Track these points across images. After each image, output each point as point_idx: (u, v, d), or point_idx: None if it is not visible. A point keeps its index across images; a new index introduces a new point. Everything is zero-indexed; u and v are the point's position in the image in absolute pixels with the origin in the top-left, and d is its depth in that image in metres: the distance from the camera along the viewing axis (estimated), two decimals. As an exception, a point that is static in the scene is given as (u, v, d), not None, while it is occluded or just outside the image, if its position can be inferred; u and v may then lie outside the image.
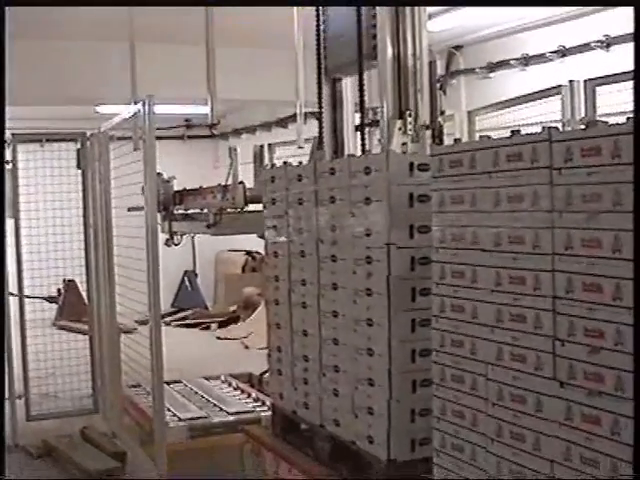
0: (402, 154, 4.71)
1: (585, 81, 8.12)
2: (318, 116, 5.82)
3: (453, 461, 3.87)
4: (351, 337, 4.63)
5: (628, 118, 2.90)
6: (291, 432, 5.52)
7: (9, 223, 8.21)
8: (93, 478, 7.35)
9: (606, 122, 3.13)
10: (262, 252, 6.23)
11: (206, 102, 8.12)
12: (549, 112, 8.51)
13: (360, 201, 4.47)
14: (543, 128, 3.29)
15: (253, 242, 9.51)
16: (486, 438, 3.64)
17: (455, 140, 4.14)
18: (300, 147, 8.63)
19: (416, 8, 5.01)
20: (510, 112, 9.33)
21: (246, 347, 13.84)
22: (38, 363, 8.96)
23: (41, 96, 11.90)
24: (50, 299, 11.49)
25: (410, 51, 4.99)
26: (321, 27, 5.71)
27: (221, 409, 7.78)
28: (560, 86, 8.39)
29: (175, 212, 8.23)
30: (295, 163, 5.41)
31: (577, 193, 3.10)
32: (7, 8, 4.87)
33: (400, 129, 4.86)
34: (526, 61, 10.23)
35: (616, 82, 7.57)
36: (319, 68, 5.71)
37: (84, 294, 9.62)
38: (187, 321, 16.46)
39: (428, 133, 4.95)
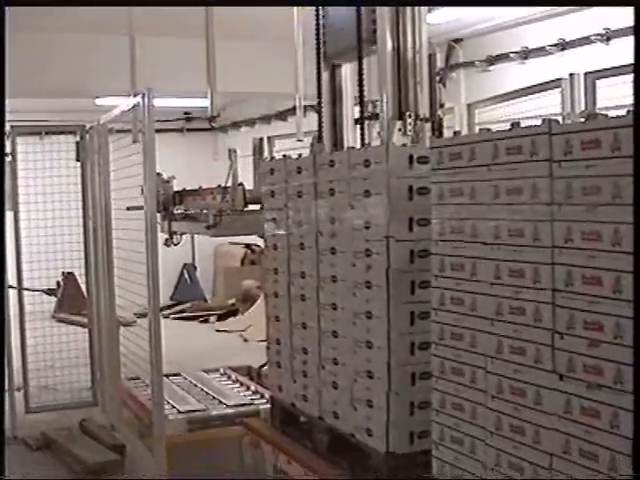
0: (402, 147, 4.70)
1: (585, 74, 8.12)
2: (317, 109, 5.81)
3: (452, 454, 3.87)
4: (350, 330, 4.63)
5: (628, 111, 2.89)
6: (290, 424, 5.52)
7: (8, 216, 8.21)
8: (92, 470, 7.35)
9: (606, 115, 3.13)
10: (261, 245, 6.24)
11: (206, 95, 8.11)
12: (549, 105, 8.51)
13: (359, 194, 4.47)
14: (543, 121, 3.28)
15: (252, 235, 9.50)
16: (485, 431, 3.64)
17: (455, 133, 4.13)
18: (299, 140, 8.62)
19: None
20: (510, 105, 9.33)
21: (245, 340, 13.85)
22: (37, 355, 8.97)
23: (41, 88, 11.89)
24: (49, 292, 11.48)
25: (410, 44, 4.97)
26: (320, 19, 5.70)
27: (220, 402, 7.78)
28: (560, 79, 8.39)
29: (175, 212, 8.24)
30: (295, 156, 5.41)
31: (577, 186, 3.09)
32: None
33: (400, 130, 4.86)
34: (526, 54, 10.21)
35: (616, 75, 7.57)
36: (318, 54, 5.70)
37: (83, 287, 9.62)
38: (186, 314, 16.46)
39: (428, 126, 4.94)
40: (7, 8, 4.76)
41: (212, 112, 8.29)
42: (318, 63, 5.71)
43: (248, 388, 8.27)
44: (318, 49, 5.70)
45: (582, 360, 3.10)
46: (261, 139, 11.00)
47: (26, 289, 9.07)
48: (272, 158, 5.89)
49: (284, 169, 5.35)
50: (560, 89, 8.43)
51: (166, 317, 14.80)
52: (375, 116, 5.37)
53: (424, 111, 4.95)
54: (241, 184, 7.32)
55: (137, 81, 8.31)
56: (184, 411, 7.41)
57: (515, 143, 3.39)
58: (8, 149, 8.59)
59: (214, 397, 7.93)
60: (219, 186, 7.52)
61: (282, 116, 14.91)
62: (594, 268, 3.03)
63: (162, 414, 6.86)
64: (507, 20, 10.28)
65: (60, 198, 9.17)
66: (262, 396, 7.72)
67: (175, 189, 8.35)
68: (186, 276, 17.94)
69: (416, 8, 4.98)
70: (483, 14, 10.18)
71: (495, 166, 3.50)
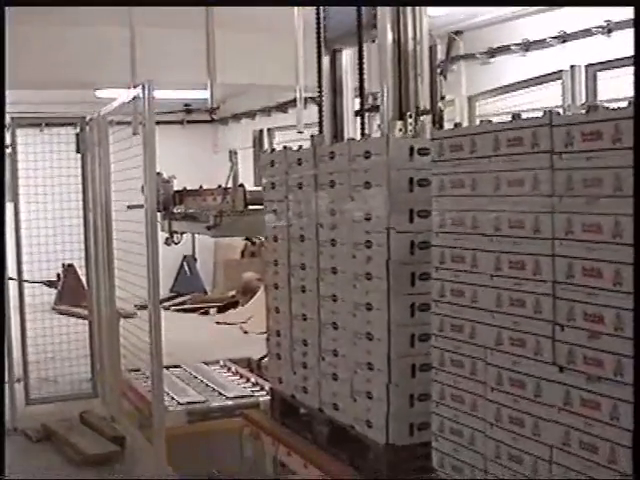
0: (402, 138, 4.70)
1: (586, 66, 8.11)
2: (318, 100, 5.80)
3: (452, 445, 3.87)
4: (350, 321, 4.63)
5: (629, 102, 2.89)
6: (290, 416, 5.52)
7: (8, 207, 8.20)
8: (92, 462, 7.36)
9: (607, 106, 3.12)
10: (261, 237, 6.24)
11: (206, 87, 8.11)
12: (550, 97, 8.50)
13: (360, 185, 4.46)
14: (544, 112, 3.28)
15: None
16: (485, 423, 3.64)
17: (455, 124, 4.13)
18: (300, 132, 8.61)
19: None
20: (510, 97, 9.32)
21: (245, 332, 13.85)
22: (37, 347, 8.98)
23: (41, 80, 11.87)
24: (49, 284, 11.51)
25: (410, 35, 4.96)
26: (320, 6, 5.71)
27: (220, 393, 7.78)
28: (561, 71, 8.38)
29: (175, 211, 8.26)
30: (295, 148, 5.40)
31: (577, 177, 3.09)
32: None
33: (400, 130, 4.85)
34: (527, 46, 10.19)
35: (617, 67, 7.57)
36: (318, 40, 5.69)
37: (83, 279, 9.63)
38: (186, 306, 16.46)
39: (428, 118, 4.94)
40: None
41: (212, 104, 8.28)
42: (318, 48, 5.70)
43: (248, 380, 8.27)
44: (318, 34, 5.69)
45: (582, 352, 3.10)
46: (261, 131, 11.00)
47: (26, 281, 9.08)
48: (272, 150, 5.87)
49: (284, 161, 5.35)
50: (561, 81, 8.43)
51: (166, 309, 14.79)
52: (375, 108, 5.36)
53: (424, 103, 4.95)
54: (242, 185, 7.36)
55: (137, 73, 8.30)
56: (184, 403, 7.41)
57: (516, 134, 3.39)
58: (8, 141, 8.59)
59: (214, 389, 7.94)
60: (219, 186, 7.54)
61: (282, 108, 14.89)
62: (594, 260, 3.02)
63: (162, 406, 6.87)
64: (508, 12, 10.26)
65: (60, 190, 9.16)
66: (262, 388, 7.73)
67: (175, 189, 8.37)
68: (186, 268, 17.93)
69: (417, -1, 4.98)
70: (484, 6, 10.15)
71: (496, 158, 3.50)
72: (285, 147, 5.45)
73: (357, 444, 4.63)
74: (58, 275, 14.52)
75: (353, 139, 5.01)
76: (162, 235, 7.74)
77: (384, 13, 4.97)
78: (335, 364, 4.84)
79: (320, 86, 5.76)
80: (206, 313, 15.93)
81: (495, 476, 3.59)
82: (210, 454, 6.82)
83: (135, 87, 7.00)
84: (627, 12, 7.98)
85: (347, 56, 5.77)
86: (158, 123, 6.73)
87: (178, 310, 16.18)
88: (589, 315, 3.06)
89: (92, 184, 8.78)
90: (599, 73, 8.10)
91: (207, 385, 8.13)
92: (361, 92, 5.35)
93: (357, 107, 5.65)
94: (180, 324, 13.89)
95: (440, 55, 9.69)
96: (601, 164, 2.98)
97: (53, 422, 8.26)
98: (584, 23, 9.26)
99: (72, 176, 9.02)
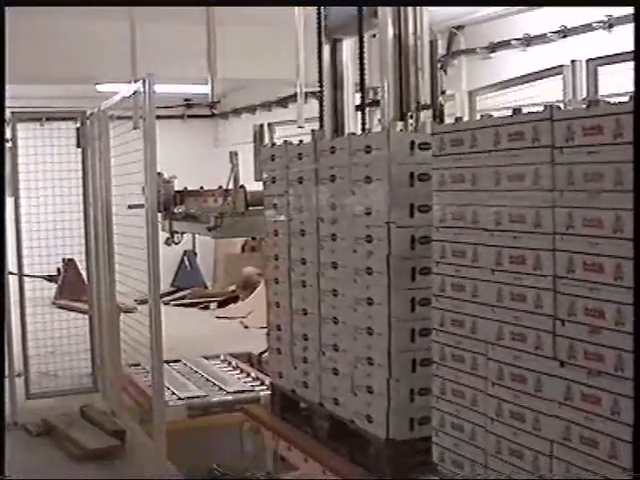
0: (403, 133, 4.70)
1: (587, 61, 8.09)
2: (319, 95, 5.80)
3: (452, 440, 3.88)
4: (351, 316, 4.62)
5: (630, 97, 2.89)
6: (290, 411, 5.52)
7: (9, 202, 8.20)
8: (92, 456, 7.36)
9: (608, 101, 3.12)
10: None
11: (206, 81, 8.10)
12: (550, 92, 8.48)
13: (360, 180, 4.46)
14: (545, 107, 3.27)
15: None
16: (486, 417, 3.64)
17: (456, 119, 4.12)
18: (300, 127, 8.60)
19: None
20: (511, 92, 9.30)
21: (245, 327, 13.85)
22: (37, 342, 8.98)
23: (41, 75, 11.85)
24: (50, 278, 11.49)
25: (411, 30, 4.96)
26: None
27: (220, 388, 7.79)
28: (562, 66, 8.35)
29: (176, 211, 8.26)
30: (295, 142, 5.39)
31: (578, 172, 3.09)
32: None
33: (401, 131, 4.85)
34: (527, 41, 10.17)
35: (618, 62, 7.54)
36: (319, 28, 5.68)
37: (84, 273, 9.63)
38: (186, 301, 16.46)
39: (429, 113, 4.93)
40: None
41: (212, 98, 8.28)
42: (319, 37, 5.69)
43: (248, 375, 8.28)
44: (319, 24, 5.68)
45: (583, 347, 3.10)
46: (262, 126, 11.00)
47: (26, 275, 9.07)
48: (273, 144, 5.86)
49: (285, 155, 5.34)
50: (562, 76, 8.40)
51: (166, 304, 14.77)
52: (376, 103, 5.36)
53: (425, 98, 4.94)
54: (242, 186, 7.35)
55: (138, 67, 8.29)
56: (184, 397, 7.42)
57: (517, 129, 3.39)
58: (8, 135, 8.58)
59: (214, 383, 7.95)
60: (220, 187, 7.54)
61: (283, 103, 14.87)
62: (595, 255, 3.02)
63: (162, 400, 6.87)
64: (508, 7, 10.24)
65: (60, 184, 9.16)
66: (262, 383, 7.73)
67: (176, 189, 8.37)
68: (187, 263, 17.92)
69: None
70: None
71: (497, 152, 3.50)
72: (286, 141, 5.44)
73: (357, 439, 4.63)
74: (58, 269, 14.50)
75: (354, 134, 5.01)
76: (162, 235, 7.73)
77: (385, 8, 4.97)
78: (335, 359, 4.84)
79: (321, 80, 5.76)
80: (206, 308, 15.93)
81: (496, 471, 3.60)
82: (210, 449, 6.83)
83: (136, 81, 7.00)
84: (628, 7, 7.96)
85: (348, 48, 5.76)
86: (158, 117, 6.73)
87: (178, 305, 16.18)
88: (590, 310, 3.06)
89: (92, 179, 8.78)
90: (600, 68, 8.07)
91: (207, 380, 8.13)
92: (362, 87, 5.35)
93: (358, 102, 5.64)
94: (180, 319, 13.89)
95: (441, 50, 9.66)
96: (602, 159, 2.98)
97: (53, 416, 8.27)
98: (585, 18, 9.24)
99: (72, 170, 9.02)
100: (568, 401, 3.18)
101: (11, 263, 8.27)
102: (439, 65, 5.54)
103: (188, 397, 7.43)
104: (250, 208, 7.27)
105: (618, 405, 2.95)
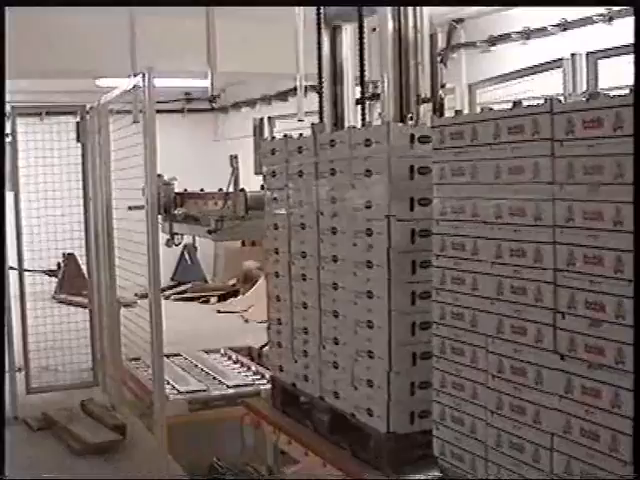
0: (403, 126, 4.69)
1: (587, 54, 8.09)
2: (318, 88, 5.79)
3: (453, 434, 3.88)
4: (351, 309, 4.62)
5: (630, 90, 2.89)
6: (291, 404, 5.52)
7: (9, 196, 8.19)
8: (93, 450, 7.37)
9: (608, 94, 3.12)
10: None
11: (206, 75, 8.09)
12: (550, 85, 8.48)
13: (360, 173, 4.46)
14: (545, 100, 3.27)
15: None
16: (486, 411, 3.64)
17: (456, 112, 4.12)
18: (300, 120, 8.60)
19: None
20: (511, 85, 9.30)
21: (246, 320, 13.85)
22: (38, 336, 8.97)
23: (41, 69, 11.83)
24: (50, 273, 11.50)
25: (411, 24, 4.96)
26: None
27: (221, 382, 7.80)
28: (562, 59, 8.36)
29: (176, 213, 8.26)
30: (295, 136, 5.39)
31: (578, 165, 3.09)
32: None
33: (402, 122, 4.84)
34: (527, 34, 10.15)
35: (618, 55, 7.55)
36: (318, 17, 5.67)
37: (84, 268, 9.63)
38: (187, 295, 16.47)
39: (429, 106, 4.93)
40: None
41: (212, 92, 8.27)
42: (318, 24, 5.68)
43: (249, 368, 8.29)
44: (318, 10, 5.68)
45: (583, 340, 3.10)
46: (262, 119, 11.00)
47: (27, 270, 9.07)
48: (273, 138, 5.86)
49: (285, 149, 5.34)
50: (562, 69, 8.41)
51: (167, 298, 14.80)
52: (376, 96, 5.36)
53: (425, 91, 4.94)
54: (243, 190, 7.36)
55: (137, 61, 8.29)
56: (185, 391, 7.43)
57: (517, 122, 3.38)
58: (8, 129, 8.57)
59: (215, 377, 7.96)
60: (220, 190, 7.55)
61: (283, 96, 14.85)
62: (596, 248, 3.02)
63: (163, 394, 6.87)
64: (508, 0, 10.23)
65: (60, 179, 9.15)
66: (263, 376, 7.75)
67: (176, 190, 8.38)
68: (187, 257, 17.91)
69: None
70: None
71: (497, 145, 3.49)
72: (286, 135, 5.44)
73: (358, 432, 4.63)
74: (59, 264, 14.54)
75: (354, 127, 5.00)
76: (163, 237, 7.73)
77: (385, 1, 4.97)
78: (336, 352, 4.84)
79: (320, 74, 5.75)
80: (207, 302, 15.94)
81: (496, 464, 3.60)
82: (211, 442, 6.84)
83: (135, 76, 6.99)
84: (628, 7, 7.95)
85: (347, 40, 5.75)
86: (158, 111, 6.72)
87: (179, 299, 16.19)
88: (590, 303, 3.06)
89: (92, 173, 8.78)
90: (600, 61, 8.07)
91: (208, 374, 8.14)
92: (362, 80, 5.35)
93: (358, 95, 5.64)
94: (181, 313, 13.89)
95: (441, 43, 9.67)
96: (602, 151, 2.98)
97: (54, 411, 8.26)
98: (585, 11, 9.23)
99: (72, 165, 9.01)
100: (568, 394, 3.18)
101: (11, 258, 8.27)
102: (439, 58, 5.56)
103: (188, 391, 7.44)
104: (250, 212, 7.28)
105: (618, 398, 2.95)
